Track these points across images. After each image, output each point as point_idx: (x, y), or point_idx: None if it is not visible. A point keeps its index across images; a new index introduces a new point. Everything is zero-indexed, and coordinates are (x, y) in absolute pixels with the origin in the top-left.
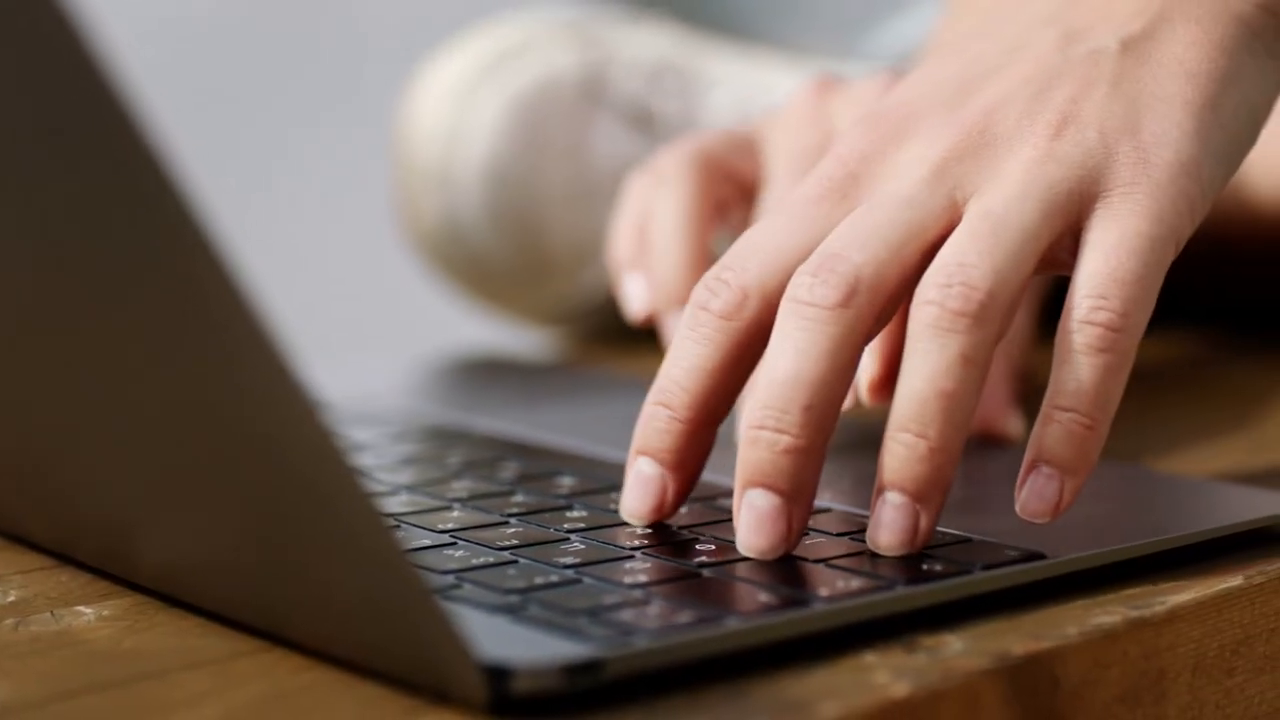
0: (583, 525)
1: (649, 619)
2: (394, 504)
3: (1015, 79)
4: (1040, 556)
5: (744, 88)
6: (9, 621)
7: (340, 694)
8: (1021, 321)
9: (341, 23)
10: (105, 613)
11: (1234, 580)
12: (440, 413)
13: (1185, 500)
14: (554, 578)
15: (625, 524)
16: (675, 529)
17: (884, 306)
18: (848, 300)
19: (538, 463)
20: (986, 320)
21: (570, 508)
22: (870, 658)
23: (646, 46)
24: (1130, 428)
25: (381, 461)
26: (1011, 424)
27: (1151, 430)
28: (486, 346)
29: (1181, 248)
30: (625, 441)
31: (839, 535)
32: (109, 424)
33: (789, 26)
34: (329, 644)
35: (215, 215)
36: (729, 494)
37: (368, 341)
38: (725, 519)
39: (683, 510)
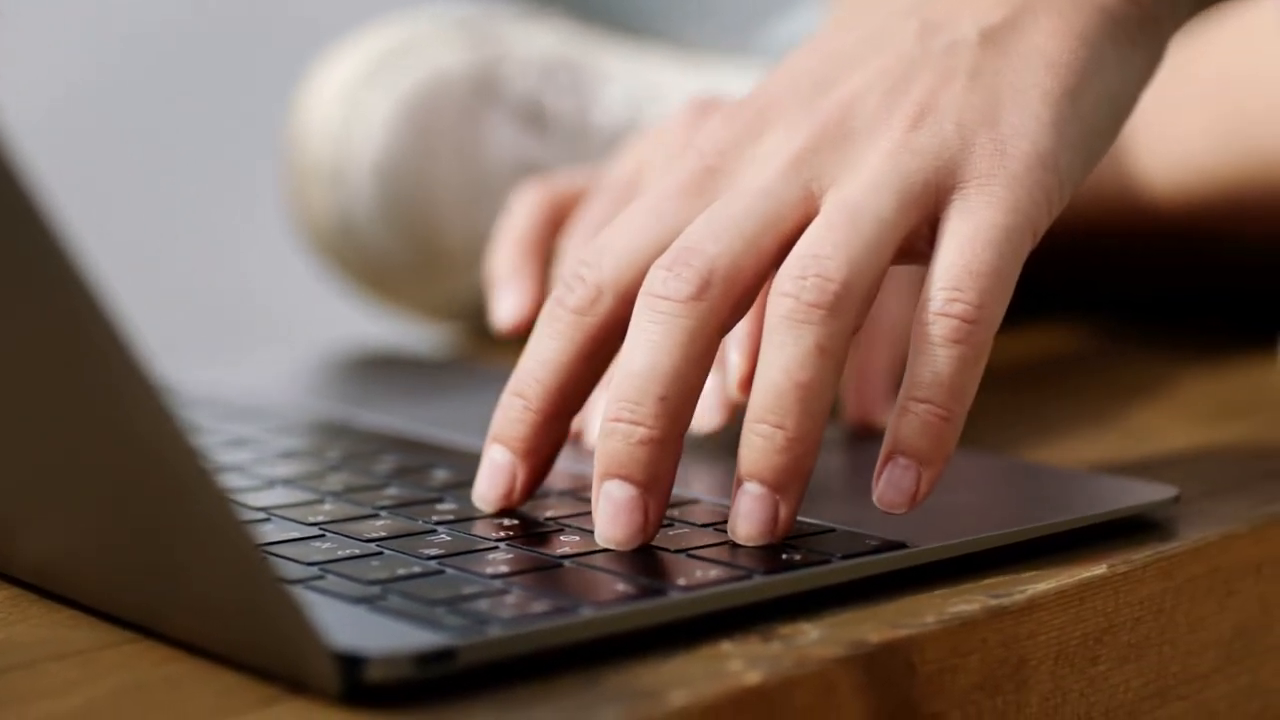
0: (451, 518)
1: (505, 608)
2: (268, 497)
3: (873, 71)
4: (901, 546)
5: (637, 84)
6: None
7: (200, 684)
8: (904, 311)
9: (233, 22)
10: None
11: (1098, 569)
12: (326, 407)
13: (1051, 490)
14: (416, 569)
15: (493, 516)
16: (542, 520)
17: (740, 298)
18: (701, 293)
19: (415, 456)
20: (841, 311)
21: (441, 500)
22: (727, 646)
23: (539, 44)
24: (1002, 418)
25: (261, 455)
26: (888, 415)
27: (1024, 421)
28: (379, 342)
29: (1039, 239)
30: None
31: (704, 526)
32: None
33: (683, 23)
34: (191, 635)
35: (96, 213)
36: None
37: (262, 337)
38: (591, 510)
39: (550, 500)
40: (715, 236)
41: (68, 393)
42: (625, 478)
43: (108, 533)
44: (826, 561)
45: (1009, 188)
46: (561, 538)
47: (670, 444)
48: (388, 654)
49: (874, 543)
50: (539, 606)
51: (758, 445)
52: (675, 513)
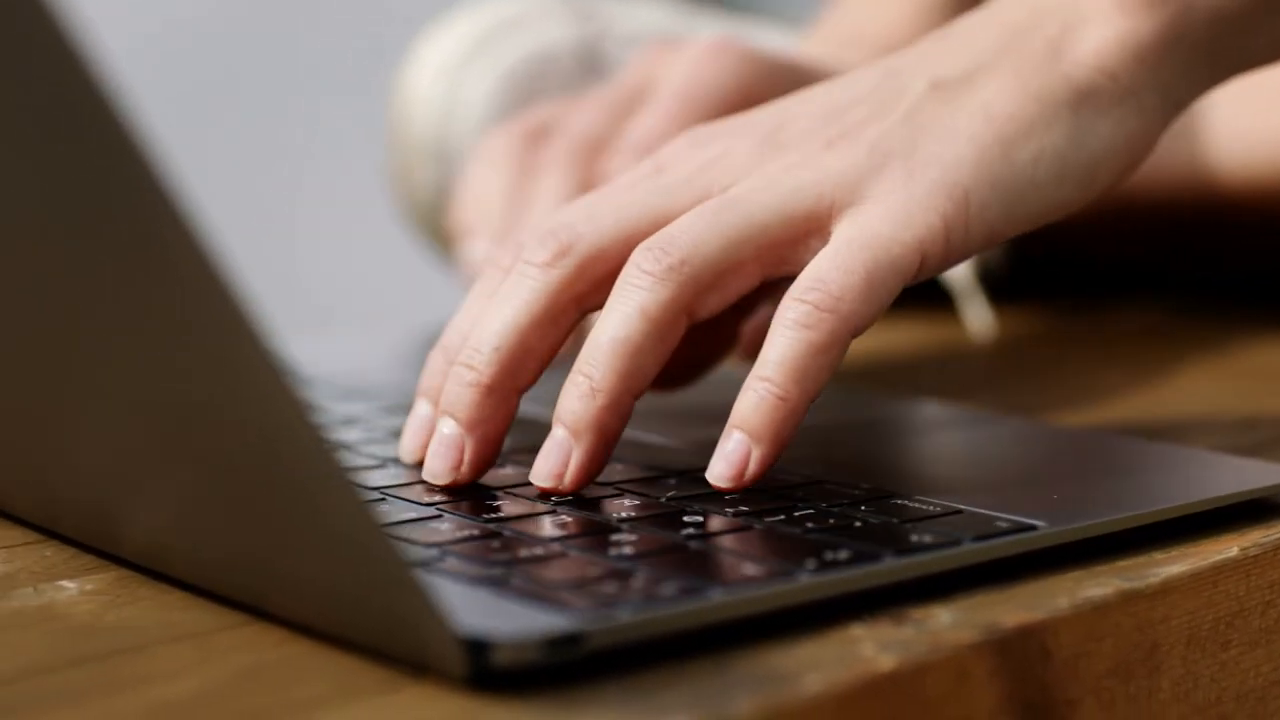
0: (571, 498)
1: (632, 591)
2: (381, 477)
3: (822, 103)
4: (1032, 528)
5: None
6: None
7: (320, 666)
8: None
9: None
10: (89, 587)
11: (1229, 552)
12: None
13: (1180, 471)
14: (539, 550)
15: (615, 496)
16: (663, 500)
17: (599, 276)
18: (555, 260)
19: (530, 436)
20: (671, 282)
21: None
22: (857, 630)
23: (642, 19)
24: (1126, 398)
25: (371, 435)
26: None
27: (1148, 401)
28: None
29: (930, 268)
30: None
31: (831, 507)
32: (90, 400)
33: None
34: (310, 617)
35: (201, 193)
36: None
37: (364, 315)
38: (715, 491)
39: (670, 480)
40: (591, 218)
41: (186, 367)
42: (451, 415)
43: (223, 512)
44: (957, 543)
45: (904, 206)
46: (684, 518)
47: (497, 392)
48: (515, 638)
49: (1005, 524)
50: (667, 589)
51: (567, 391)
52: (799, 494)
